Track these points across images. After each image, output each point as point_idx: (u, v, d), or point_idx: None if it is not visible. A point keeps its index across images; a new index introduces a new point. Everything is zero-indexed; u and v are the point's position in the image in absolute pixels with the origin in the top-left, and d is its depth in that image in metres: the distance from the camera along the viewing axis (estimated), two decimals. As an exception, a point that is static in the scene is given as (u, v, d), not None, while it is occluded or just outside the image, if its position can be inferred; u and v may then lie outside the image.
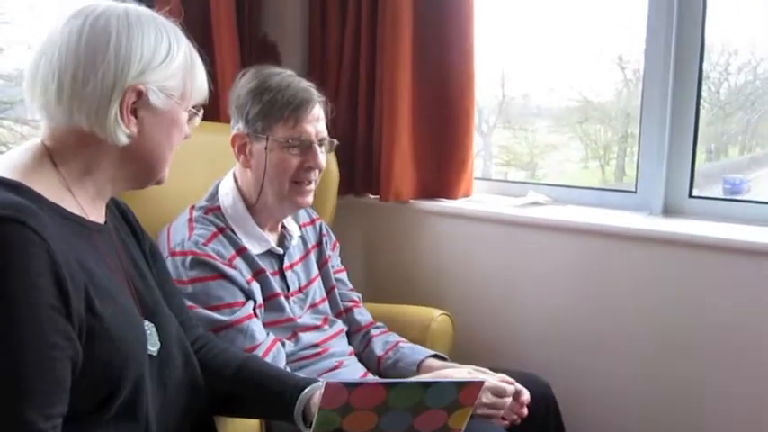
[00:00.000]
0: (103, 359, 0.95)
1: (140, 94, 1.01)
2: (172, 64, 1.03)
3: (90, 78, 0.98)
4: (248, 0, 2.26)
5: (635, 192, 2.05)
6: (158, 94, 1.02)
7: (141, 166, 1.06)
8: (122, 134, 1.00)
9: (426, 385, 1.07)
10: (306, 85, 1.57)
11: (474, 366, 1.47)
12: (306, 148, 1.54)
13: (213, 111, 1.63)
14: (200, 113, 1.12)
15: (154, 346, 1.06)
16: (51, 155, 1.01)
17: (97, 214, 1.07)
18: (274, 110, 1.52)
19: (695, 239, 1.78)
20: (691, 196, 1.96)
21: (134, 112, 1.01)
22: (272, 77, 1.55)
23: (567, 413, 1.66)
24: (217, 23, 2.13)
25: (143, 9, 1.06)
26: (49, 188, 0.98)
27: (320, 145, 1.57)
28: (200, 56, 1.12)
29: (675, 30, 1.89)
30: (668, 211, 1.96)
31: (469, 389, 1.09)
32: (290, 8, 2.37)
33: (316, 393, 1.15)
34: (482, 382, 1.15)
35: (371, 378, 1.62)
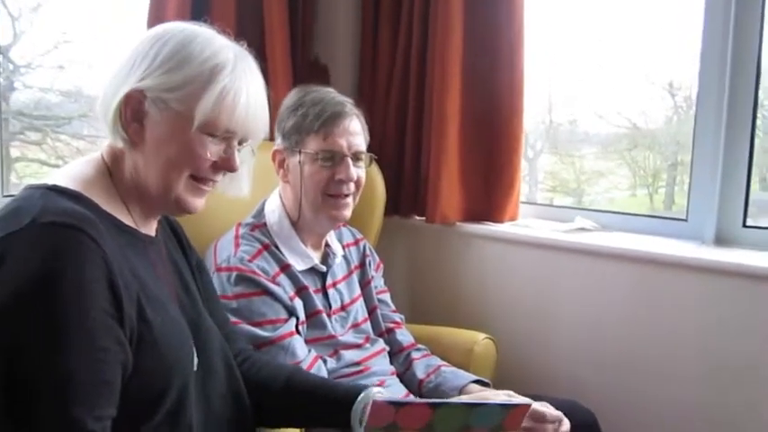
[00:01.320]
0: (151, 366, 0.97)
1: (140, 101, 1.01)
2: (178, 74, 1.01)
3: (110, 85, 1.02)
4: (301, 23, 2.31)
5: (686, 220, 2.01)
6: (156, 103, 1.01)
7: (148, 181, 1.04)
8: (119, 137, 1.02)
9: (473, 406, 1.07)
10: (341, 99, 1.59)
11: (512, 392, 1.43)
12: (338, 160, 1.56)
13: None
14: (232, 143, 1.06)
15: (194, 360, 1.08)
16: (109, 168, 1.06)
17: (148, 227, 1.10)
18: (306, 123, 1.55)
19: (749, 270, 1.73)
20: (745, 225, 1.90)
21: (138, 119, 1.02)
22: (309, 94, 1.59)
23: (611, 443, 1.63)
24: (271, 46, 2.18)
25: (204, 27, 1.07)
26: (107, 199, 1.02)
27: (356, 159, 1.59)
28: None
29: (730, 56, 1.85)
30: (721, 240, 1.91)
31: (515, 412, 1.09)
32: (341, 31, 2.41)
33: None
34: (528, 405, 1.16)
35: (417, 399, 1.61)
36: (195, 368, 1.07)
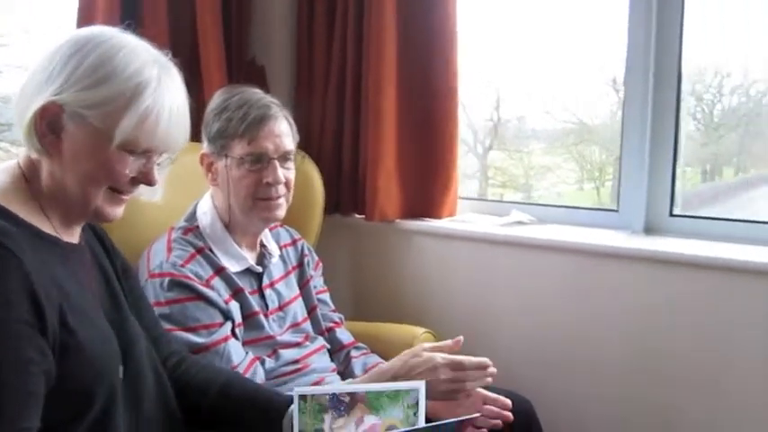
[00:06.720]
0: (77, 374, 0.97)
1: (57, 114, 0.99)
2: (100, 91, 1.00)
3: (26, 90, 1.01)
4: (236, 23, 2.30)
5: (617, 211, 2.07)
6: (74, 118, 1.00)
7: (66, 191, 1.03)
8: (33, 148, 1.01)
9: (435, 428, 1.13)
10: (267, 101, 1.57)
11: (409, 350, 1.44)
12: (264, 163, 1.55)
13: (198, 132, 1.65)
14: (152, 158, 1.06)
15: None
16: (25, 176, 1.04)
17: (70, 235, 1.09)
18: (230, 127, 1.54)
19: (672, 257, 1.79)
20: (672, 215, 1.97)
21: (54, 131, 1.00)
22: (234, 96, 1.57)
23: (547, 431, 1.66)
24: (204, 45, 2.16)
25: (130, 37, 1.06)
26: (25, 209, 1.01)
27: (284, 160, 1.58)
28: (189, 90, 1.09)
29: (653, 52, 1.91)
30: (650, 229, 1.97)
31: (466, 423, 1.17)
32: (277, 31, 2.40)
33: None
34: (477, 416, 1.26)
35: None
36: (122, 375, 1.07)
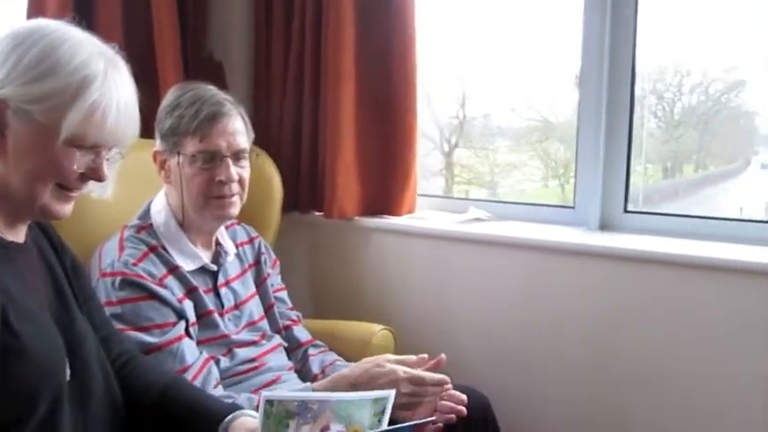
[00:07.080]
0: (21, 375, 0.95)
1: (1, 110, 0.97)
2: (44, 85, 0.98)
3: None
4: (193, 17, 2.27)
5: (573, 207, 2.09)
6: (18, 114, 0.98)
7: (11, 189, 1.01)
8: None
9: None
10: (220, 98, 1.55)
11: (372, 358, 1.46)
12: (217, 161, 1.53)
13: (151, 129, 1.63)
14: (101, 153, 1.05)
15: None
16: None
17: (16, 234, 1.07)
18: (182, 125, 1.52)
19: (624, 253, 1.82)
20: (626, 211, 2.00)
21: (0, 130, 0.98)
22: (187, 93, 1.55)
23: (504, 427, 1.67)
24: (160, 40, 2.13)
25: (75, 30, 1.04)
26: None
27: (238, 158, 1.56)
28: (140, 84, 1.07)
29: (608, 52, 1.94)
30: (605, 226, 2.00)
31: (421, 427, 1.20)
32: (235, 26, 2.38)
33: (237, 420, 1.16)
34: (433, 419, 1.28)
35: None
36: (68, 377, 1.05)
